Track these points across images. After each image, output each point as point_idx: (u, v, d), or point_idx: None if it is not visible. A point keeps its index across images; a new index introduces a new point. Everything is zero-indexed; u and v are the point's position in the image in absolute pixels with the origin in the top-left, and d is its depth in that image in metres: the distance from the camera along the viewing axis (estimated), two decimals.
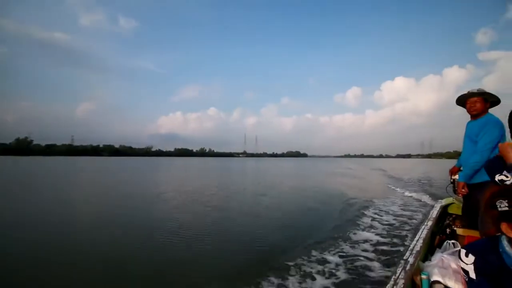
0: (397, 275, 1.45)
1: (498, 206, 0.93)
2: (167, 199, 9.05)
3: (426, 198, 8.97)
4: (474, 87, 2.42)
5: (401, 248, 4.25)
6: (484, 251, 1.05)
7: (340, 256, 3.92)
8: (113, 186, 13.49)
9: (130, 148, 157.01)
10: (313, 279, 3.21)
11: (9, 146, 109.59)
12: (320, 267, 3.52)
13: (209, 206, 7.99)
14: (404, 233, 5.13)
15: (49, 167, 29.73)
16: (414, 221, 6.05)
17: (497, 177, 1.30)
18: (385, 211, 7.12)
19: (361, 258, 3.86)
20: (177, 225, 5.78)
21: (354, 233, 5.08)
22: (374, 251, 4.14)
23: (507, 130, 1.50)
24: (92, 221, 6.31)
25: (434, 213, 2.79)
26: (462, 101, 2.50)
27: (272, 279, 3.17)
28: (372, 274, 3.36)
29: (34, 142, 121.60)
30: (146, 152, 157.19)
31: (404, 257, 1.66)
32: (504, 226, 0.93)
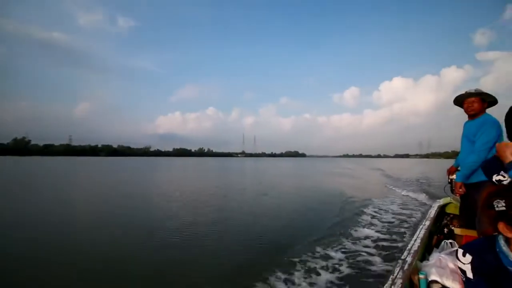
0: (395, 274, 1.45)
1: (495, 206, 0.93)
2: (167, 199, 9.02)
3: (424, 198, 9.00)
4: (471, 87, 2.43)
5: (400, 244, 4.40)
6: (481, 250, 1.05)
7: (343, 252, 4.06)
8: (112, 186, 13.44)
9: (129, 148, 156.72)
10: (318, 274, 3.32)
11: (7, 146, 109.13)
12: (324, 263, 3.64)
13: (210, 205, 7.98)
14: (402, 230, 5.24)
15: (47, 167, 29.60)
16: (412, 220, 6.10)
17: (495, 177, 1.30)
18: (384, 210, 7.20)
19: (363, 253, 3.99)
20: (177, 224, 5.77)
21: (355, 230, 5.23)
22: (375, 247, 4.29)
23: (504, 130, 1.51)
24: (92, 221, 6.28)
25: (432, 212, 2.80)
26: (459, 101, 2.50)
27: (279, 274, 3.29)
28: (373, 268, 3.51)
29: (32, 142, 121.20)
30: (145, 152, 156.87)
31: (402, 257, 1.67)
32: (501, 226, 0.93)
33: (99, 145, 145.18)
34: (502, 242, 0.98)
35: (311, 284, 3.10)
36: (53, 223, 5.98)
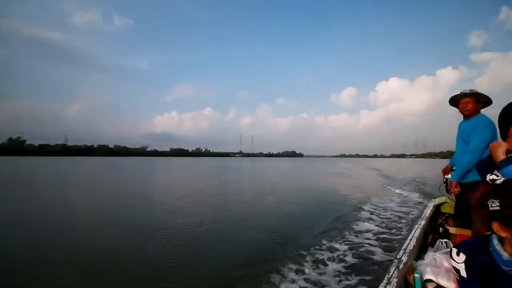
0: (390, 274, 1.46)
1: (489, 205, 0.94)
2: (167, 199, 8.98)
3: (420, 197, 9.09)
4: (466, 88, 2.45)
5: (398, 237, 4.76)
6: (475, 249, 1.06)
7: (346, 244, 4.40)
8: (111, 186, 13.34)
9: (125, 148, 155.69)
10: (325, 265, 3.60)
11: (2, 146, 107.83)
12: (330, 254, 3.94)
13: (212, 205, 8.01)
14: (400, 225, 5.52)
15: (45, 168, 29.31)
16: (408, 217, 6.23)
17: (488, 177, 1.31)
18: (382, 208, 7.41)
19: (365, 245, 4.36)
20: (179, 224, 5.78)
21: (356, 224, 5.63)
22: (376, 239, 4.64)
23: (498, 130, 1.52)
24: (92, 221, 6.24)
25: (428, 212, 2.82)
26: (455, 101, 2.53)
27: (291, 265, 3.54)
28: (376, 257, 3.84)
29: (27, 142, 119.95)
30: (141, 152, 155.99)
31: (398, 256, 1.67)
32: (495, 226, 0.93)
33: (95, 145, 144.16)
34: (495, 241, 0.99)
35: (320, 274, 3.33)
36: (52, 223, 5.94)
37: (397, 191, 10.86)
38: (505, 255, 0.95)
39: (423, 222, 2.42)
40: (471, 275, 1.03)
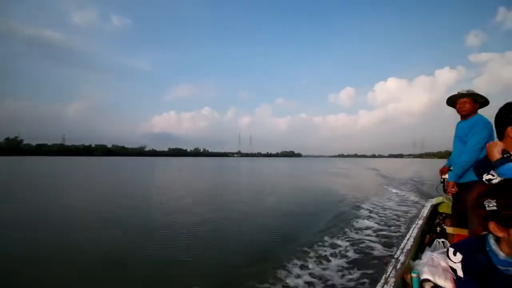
0: (388, 273, 1.46)
1: (486, 205, 0.94)
2: (166, 199, 8.96)
3: (417, 197, 9.13)
4: (464, 88, 2.46)
5: (396, 234, 4.94)
6: (472, 249, 1.06)
7: (348, 241, 4.59)
8: (110, 186, 13.29)
9: (123, 148, 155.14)
10: (328, 260, 3.75)
11: None
12: (332, 250, 4.13)
13: (214, 205, 8.05)
14: (398, 223, 5.70)
15: (41, 168, 29.15)
16: (406, 217, 6.30)
17: (485, 177, 1.32)
18: (381, 207, 7.54)
19: (366, 241, 4.56)
20: (186, 222, 5.84)
21: (356, 222, 5.86)
22: (376, 236, 4.85)
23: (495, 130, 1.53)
24: (92, 221, 6.21)
25: (425, 212, 2.83)
26: (452, 101, 2.53)
27: (295, 261, 3.69)
28: (376, 252, 4.04)
29: (24, 142, 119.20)
30: (140, 152, 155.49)
31: (395, 256, 1.68)
32: (492, 226, 0.93)
33: (93, 145, 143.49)
34: (492, 241, 0.99)
35: (323, 269, 3.48)
36: (53, 223, 5.94)
37: (395, 191, 10.93)
38: (501, 254, 0.95)
39: (420, 222, 2.42)
40: (468, 275, 1.04)
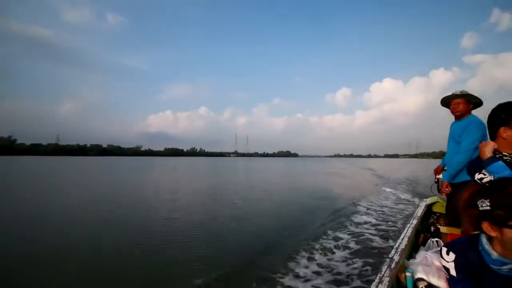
0: (382, 273, 1.47)
1: (479, 205, 0.95)
2: (166, 200, 8.93)
3: (412, 197, 9.22)
4: (458, 89, 2.48)
5: (392, 228, 5.28)
6: (465, 249, 1.07)
7: (349, 234, 4.97)
8: (110, 186, 13.15)
9: (119, 147, 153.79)
10: (333, 252, 4.08)
11: None
12: (335, 243, 4.49)
13: (217, 204, 8.18)
14: (392, 223, 5.82)
15: (34, 167, 28.80)
16: (400, 216, 6.41)
17: (476, 176, 1.34)
18: (378, 205, 7.75)
19: (365, 234, 4.95)
20: (185, 223, 5.87)
21: (355, 217, 6.27)
22: (375, 229, 5.22)
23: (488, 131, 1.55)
24: (91, 221, 6.18)
25: (419, 211, 2.85)
26: (446, 102, 2.56)
27: (303, 253, 3.99)
28: (375, 244, 4.43)
29: (18, 141, 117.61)
30: (135, 152, 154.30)
31: (390, 255, 1.69)
32: (485, 225, 0.94)
33: (88, 145, 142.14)
34: (484, 240, 1.00)
35: (329, 260, 3.80)
36: (53, 223, 5.92)
37: (391, 190, 11.08)
38: (494, 254, 0.96)
39: (415, 222, 2.44)
40: (461, 274, 1.05)
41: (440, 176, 2.65)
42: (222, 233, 5.21)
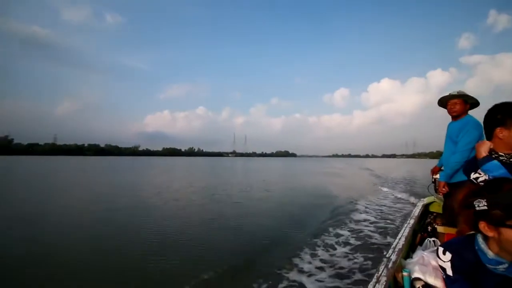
0: (379, 272, 1.47)
1: (476, 205, 0.95)
2: (166, 200, 8.88)
3: (409, 197, 9.26)
4: (455, 89, 2.50)
5: (390, 226, 5.45)
6: (461, 248, 1.07)
7: (349, 231, 5.17)
8: (109, 186, 13.08)
9: (116, 147, 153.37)
10: (334, 248, 4.24)
11: None
12: (337, 239, 4.67)
13: (217, 203, 8.24)
14: (390, 221, 5.95)
15: (35, 167, 28.62)
16: (398, 215, 6.49)
17: (472, 176, 1.35)
18: (376, 204, 7.87)
19: (365, 230, 5.16)
20: (185, 222, 5.88)
21: (354, 215, 6.43)
22: (374, 227, 5.41)
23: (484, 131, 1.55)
24: (91, 221, 6.14)
25: (417, 211, 2.85)
26: (443, 102, 2.57)
27: (306, 249, 4.14)
28: (374, 240, 4.61)
29: (15, 141, 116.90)
30: (133, 152, 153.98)
31: (387, 255, 1.69)
32: (482, 225, 0.94)
33: (86, 145, 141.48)
34: (480, 240, 1.01)
35: (331, 255, 3.95)
36: (52, 223, 5.89)
37: (388, 190, 11.14)
38: (490, 253, 0.97)
39: (412, 221, 2.45)
40: (457, 274, 1.05)
41: (437, 176, 2.66)
42: (224, 232, 5.21)
